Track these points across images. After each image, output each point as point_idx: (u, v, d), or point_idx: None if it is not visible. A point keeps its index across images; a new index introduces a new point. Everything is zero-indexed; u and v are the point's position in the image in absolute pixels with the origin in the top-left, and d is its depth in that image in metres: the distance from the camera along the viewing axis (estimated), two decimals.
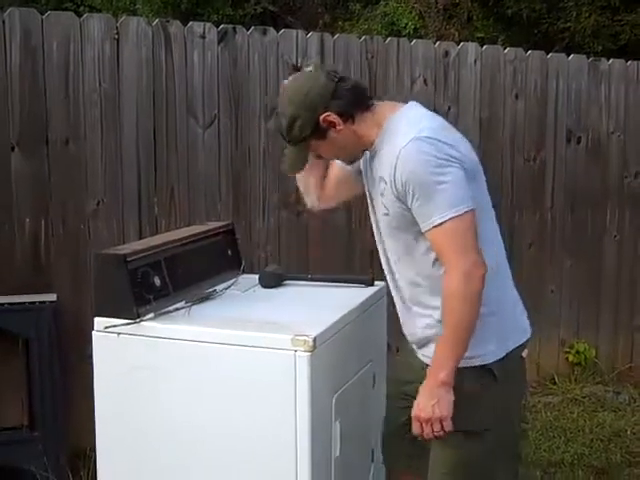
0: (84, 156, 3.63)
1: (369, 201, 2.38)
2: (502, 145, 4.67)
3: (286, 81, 2.32)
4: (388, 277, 2.38)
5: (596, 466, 3.82)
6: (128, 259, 2.44)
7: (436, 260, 2.18)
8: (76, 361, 3.40)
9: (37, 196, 3.56)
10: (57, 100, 3.56)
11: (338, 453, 2.40)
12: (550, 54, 4.82)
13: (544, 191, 4.83)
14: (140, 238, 3.62)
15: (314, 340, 2.21)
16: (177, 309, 2.47)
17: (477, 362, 2.21)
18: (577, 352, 4.96)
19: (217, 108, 3.90)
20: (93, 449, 2.53)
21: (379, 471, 2.69)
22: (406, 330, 2.38)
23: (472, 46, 4.60)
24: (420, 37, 6.83)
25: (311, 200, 2.56)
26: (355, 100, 2.24)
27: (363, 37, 4.34)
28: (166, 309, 2.45)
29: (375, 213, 2.34)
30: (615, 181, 5.00)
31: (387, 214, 2.22)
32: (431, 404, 2.12)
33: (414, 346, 2.37)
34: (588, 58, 4.94)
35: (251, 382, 2.27)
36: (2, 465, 3.38)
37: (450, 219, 2.08)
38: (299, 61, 4.05)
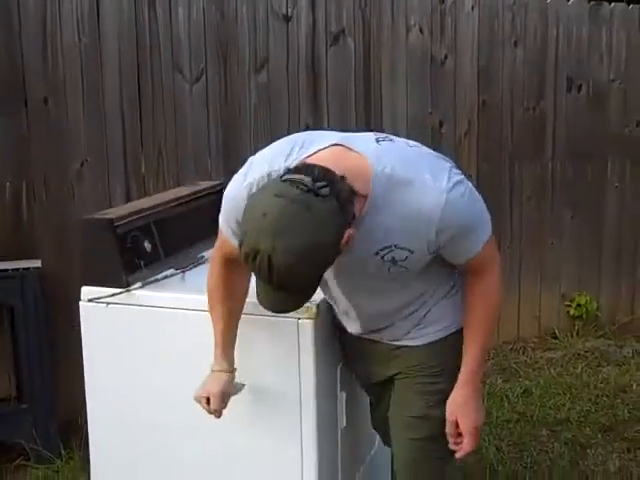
0: (65, 115, 3.47)
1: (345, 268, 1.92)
2: (501, 94, 4.52)
3: (271, 221, 1.59)
4: (363, 304, 2.09)
5: (603, 423, 3.73)
6: (116, 224, 2.31)
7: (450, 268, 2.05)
8: (63, 330, 3.27)
9: (17, 158, 3.41)
10: (34, 57, 3.39)
11: (344, 424, 2.32)
12: None
13: (544, 141, 4.68)
14: (127, 199, 3.51)
15: (317, 307, 2.11)
16: (167, 276, 2.35)
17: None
18: (578, 305, 4.87)
19: (204, 62, 3.73)
20: (84, 420, 2.44)
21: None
22: (382, 335, 2.15)
23: None
24: None
25: None
26: (351, 196, 1.73)
27: None
28: (156, 277, 2.33)
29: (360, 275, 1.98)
30: (616, 130, 4.85)
31: (407, 270, 1.94)
32: (479, 412, 2.07)
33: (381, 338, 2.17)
34: (589, 2, 4.75)
35: (252, 351, 2.16)
36: None
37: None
38: (289, 11, 3.87)
